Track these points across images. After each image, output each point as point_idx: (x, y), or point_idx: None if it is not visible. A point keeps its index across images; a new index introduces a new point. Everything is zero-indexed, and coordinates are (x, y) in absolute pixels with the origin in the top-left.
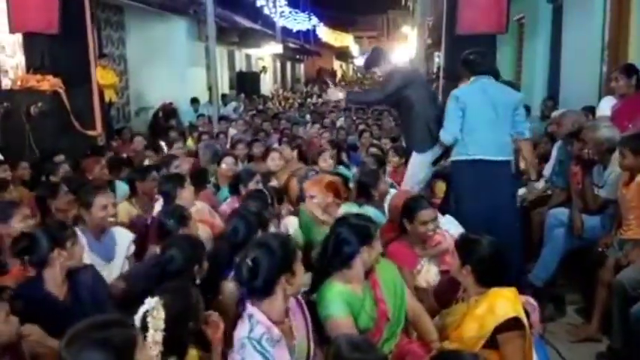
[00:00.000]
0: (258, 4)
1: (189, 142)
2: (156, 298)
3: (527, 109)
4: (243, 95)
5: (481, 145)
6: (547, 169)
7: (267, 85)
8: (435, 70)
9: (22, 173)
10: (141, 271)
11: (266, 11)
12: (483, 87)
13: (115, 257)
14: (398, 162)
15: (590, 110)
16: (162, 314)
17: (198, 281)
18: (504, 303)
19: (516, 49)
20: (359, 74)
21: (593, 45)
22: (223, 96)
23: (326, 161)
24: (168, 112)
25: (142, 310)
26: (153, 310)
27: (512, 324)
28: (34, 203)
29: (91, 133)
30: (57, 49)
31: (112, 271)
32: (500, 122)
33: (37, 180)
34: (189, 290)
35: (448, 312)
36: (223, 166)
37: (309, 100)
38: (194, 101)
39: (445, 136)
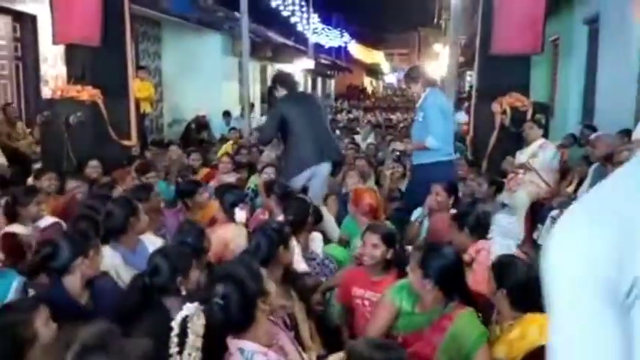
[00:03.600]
0: (292, 20)
1: (227, 147)
2: (195, 304)
3: (574, 137)
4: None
5: (451, 147)
6: (581, 193)
7: None
8: (466, 89)
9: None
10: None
11: (299, 27)
12: (442, 97)
13: None
14: None
15: (627, 133)
16: (202, 320)
17: (183, 293)
18: (537, 330)
19: (550, 70)
20: (389, 91)
21: (629, 67)
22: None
23: (353, 178)
24: (201, 124)
25: (180, 315)
26: (193, 315)
27: (543, 353)
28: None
29: (126, 143)
30: (97, 61)
31: None
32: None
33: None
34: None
35: None
36: (264, 176)
37: (339, 115)
38: (226, 114)
39: (436, 142)
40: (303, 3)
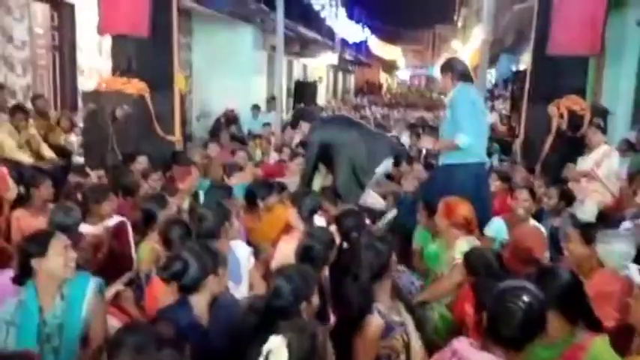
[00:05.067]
0: (323, 15)
1: (258, 151)
2: (279, 337)
3: (629, 143)
4: (302, 105)
5: (483, 149)
6: None
7: (321, 95)
8: (488, 87)
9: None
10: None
11: (328, 22)
12: (476, 94)
13: (242, 278)
14: (500, 186)
15: None
16: (284, 356)
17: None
18: None
19: (595, 72)
20: (402, 87)
21: None
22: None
23: (411, 182)
24: (230, 118)
25: (265, 349)
26: (277, 349)
27: None
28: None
29: (170, 138)
30: (144, 53)
31: (243, 293)
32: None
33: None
34: (315, 330)
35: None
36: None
37: (362, 111)
38: (255, 108)
39: (467, 139)
40: None
